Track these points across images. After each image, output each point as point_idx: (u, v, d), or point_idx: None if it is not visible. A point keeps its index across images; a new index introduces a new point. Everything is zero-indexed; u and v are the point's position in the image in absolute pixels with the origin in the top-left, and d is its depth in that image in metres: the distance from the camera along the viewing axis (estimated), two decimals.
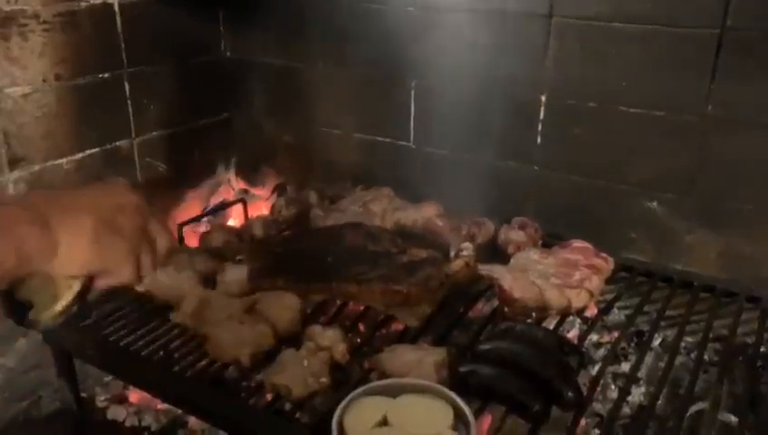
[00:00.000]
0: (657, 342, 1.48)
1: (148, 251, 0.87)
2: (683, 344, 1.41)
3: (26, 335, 1.55)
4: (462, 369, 1.06)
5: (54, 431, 1.27)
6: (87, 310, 1.29)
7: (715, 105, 1.35)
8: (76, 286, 0.84)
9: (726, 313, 1.34)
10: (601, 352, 1.46)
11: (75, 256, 0.79)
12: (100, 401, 1.32)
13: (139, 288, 1.34)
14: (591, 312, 1.41)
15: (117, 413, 1.29)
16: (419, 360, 1.07)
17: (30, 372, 1.44)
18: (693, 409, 1.26)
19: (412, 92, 1.71)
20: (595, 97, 1.48)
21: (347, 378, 1.12)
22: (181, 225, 1.54)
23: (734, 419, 1.22)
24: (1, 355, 1.51)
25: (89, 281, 0.85)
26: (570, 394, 1.01)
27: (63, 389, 1.30)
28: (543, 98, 1.54)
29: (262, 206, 1.95)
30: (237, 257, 1.45)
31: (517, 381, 1.03)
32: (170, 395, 1.14)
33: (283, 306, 1.22)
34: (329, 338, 1.14)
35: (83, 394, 1.34)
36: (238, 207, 1.77)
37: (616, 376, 1.41)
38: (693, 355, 1.42)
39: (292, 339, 1.22)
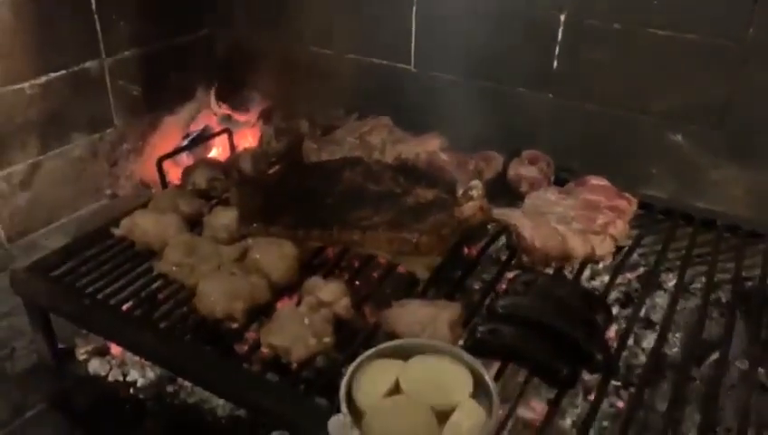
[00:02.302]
0: (675, 284, 1.40)
1: None
2: (702, 287, 1.33)
3: None
4: (480, 328, 0.96)
5: (30, 388, 1.17)
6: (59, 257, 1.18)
7: (757, 29, 1.21)
8: None
9: (752, 253, 1.26)
10: (615, 294, 1.38)
11: None
12: (80, 353, 1.22)
13: (118, 232, 1.22)
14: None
15: (99, 367, 1.19)
16: (432, 317, 0.98)
17: (2, 320, 1.33)
18: (712, 357, 1.20)
19: (414, 8, 1.54)
20: (620, 17, 1.33)
21: (352, 337, 1.02)
22: (160, 159, 1.39)
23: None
24: None
25: None
26: (600, 357, 0.92)
27: (39, 341, 1.20)
28: (562, 17, 1.38)
29: (248, 134, 1.80)
30: (225, 195, 1.33)
31: (542, 342, 0.93)
32: (155, 355, 1.04)
33: (279, 255, 1.11)
34: (331, 292, 1.03)
35: (62, 345, 1.23)
36: (223, 137, 1.62)
37: (633, 321, 1.33)
38: (714, 298, 1.34)
39: (289, 290, 1.11)
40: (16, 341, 1.27)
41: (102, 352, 1.22)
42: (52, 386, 1.18)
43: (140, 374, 1.18)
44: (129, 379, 1.18)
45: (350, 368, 0.88)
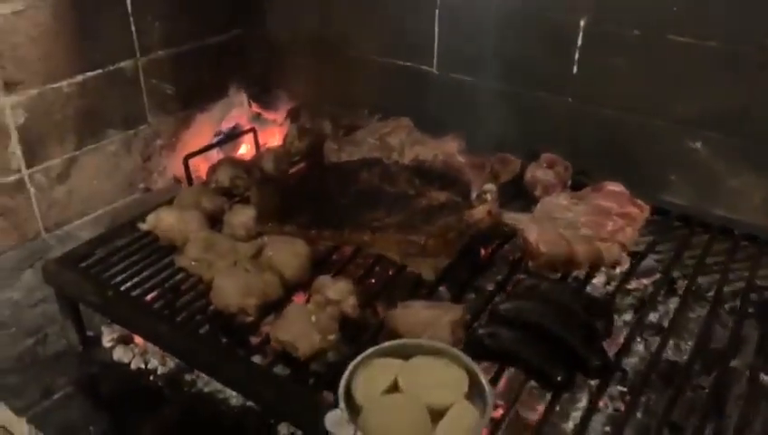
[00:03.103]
0: (690, 291, 1.39)
1: None
2: (718, 295, 1.32)
3: (33, 266, 1.52)
4: (480, 331, 0.99)
5: (59, 372, 1.24)
6: (87, 250, 1.24)
7: None
8: None
9: None
10: (629, 299, 1.38)
11: None
12: (107, 340, 1.28)
13: (144, 227, 1.28)
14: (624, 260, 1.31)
15: (122, 354, 1.26)
16: (435, 318, 1.00)
17: (37, 306, 1.41)
18: (724, 365, 1.20)
19: (437, 11, 1.56)
20: (640, 23, 1.33)
21: (357, 334, 1.05)
22: (187, 157, 1.45)
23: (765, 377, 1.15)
24: (8, 287, 1.47)
25: None
26: (596, 362, 0.94)
27: (68, 328, 1.27)
28: (582, 22, 1.38)
29: (275, 133, 1.84)
30: (246, 193, 1.38)
31: (539, 346, 0.95)
32: (171, 347, 1.10)
33: (292, 253, 1.15)
34: (338, 291, 1.07)
35: (90, 333, 1.30)
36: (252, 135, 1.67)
37: (644, 327, 1.33)
38: (728, 307, 1.33)
39: (301, 287, 1.15)
40: (49, 327, 1.34)
41: (126, 341, 1.27)
42: (79, 371, 1.24)
43: (160, 363, 1.24)
44: (149, 367, 1.24)
45: (351, 365, 0.92)
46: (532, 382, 0.97)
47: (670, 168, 1.41)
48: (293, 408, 0.95)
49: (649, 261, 1.42)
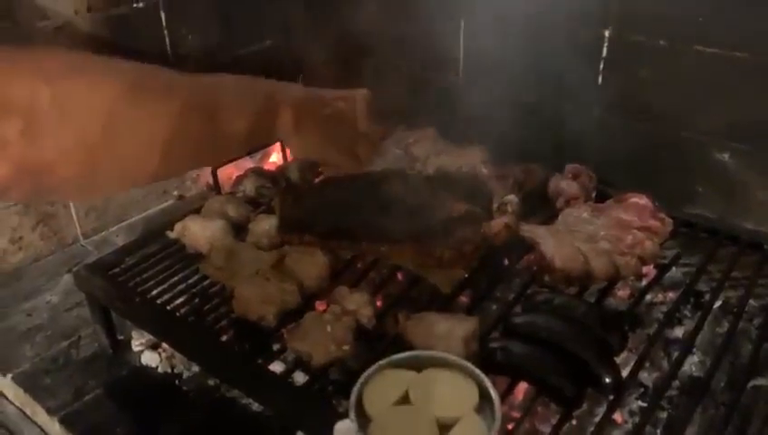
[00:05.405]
0: (716, 305, 1.37)
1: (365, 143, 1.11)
2: (745, 310, 1.30)
3: (70, 271, 1.58)
4: (493, 344, 1.00)
5: (90, 375, 1.29)
6: (117, 257, 1.29)
7: None
8: None
9: None
10: (655, 312, 1.36)
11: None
12: (136, 345, 1.33)
13: (172, 235, 1.32)
14: (647, 271, 1.30)
15: (150, 359, 1.30)
16: (448, 331, 1.01)
17: (73, 309, 1.47)
18: (752, 383, 1.17)
19: (462, 22, 1.57)
20: (666, 34, 1.31)
21: (372, 345, 1.07)
22: (215, 167, 1.48)
23: None
24: (47, 291, 1.54)
25: None
26: (608, 380, 0.93)
27: (99, 332, 1.31)
28: (607, 33, 1.37)
29: None
30: (271, 203, 1.41)
31: (551, 361, 0.95)
32: (191, 353, 1.13)
33: (311, 263, 1.17)
34: (355, 301, 1.09)
35: (121, 337, 1.35)
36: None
37: (667, 341, 1.31)
38: (756, 322, 1.31)
39: (320, 297, 1.18)
40: (83, 329, 1.39)
41: (155, 346, 1.32)
42: (109, 374, 1.29)
43: (186, 368, 1.27)
44: (176, 371, 1.28)
45: (363, 376, 0.93)
46: None
47: (697, 179, 1.39)
48: (306, 416, 0.98)
49: (676, 274, 1.40)
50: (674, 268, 1.35)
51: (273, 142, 1.34)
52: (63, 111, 0.64)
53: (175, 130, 0.79)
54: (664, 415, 1.15)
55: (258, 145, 1.80)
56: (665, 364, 1.25)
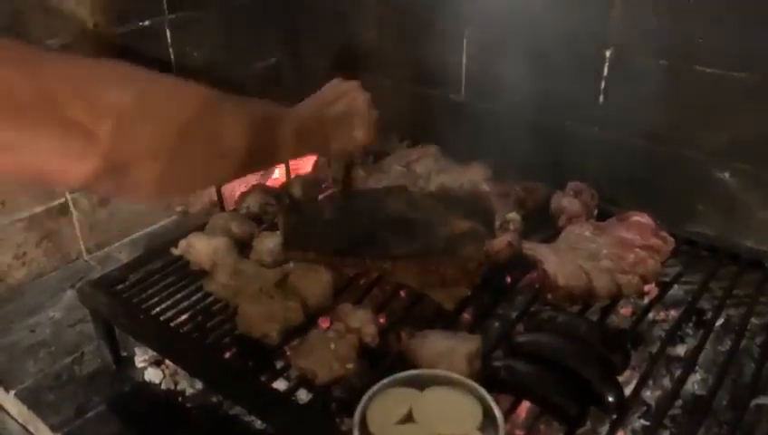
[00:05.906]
0: (718, 323, 1.37)
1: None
2: (746, 328, 1.30)
3: (74, 287, 1.58)
4: (496, 362, 1.00)
5: (93, 392, 1.29)
6: (121, 274, 1.30)
7: None
8: None
9: None
10: (657, 330, 1.37)
11: None
12: (139, 361, 1.33)
13: (175, 252, 1.33)
14: (649, 289, 1.30)
15: (153, 375, 1.30)
16: (451, 349, 1.02)
17: (76, 325, 1.47)
18: (755, 402, 1.17)
19: (464, 41, 1.59)
20: (666, 54, 1.32)
21: (376, 362, 1.07)
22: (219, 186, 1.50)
23: None
24: (51, 307, 1.54)
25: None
26: (611, 398, 0.94)
27: (103, 348, 1.32)
28: (608, 53, 1.39)
29: (310, 160, 1.88)
30: (275, 220, 1.41)
31: (554, 380, 0.96)
32: (193, 370, 1.14)
33: (315, 280, 1.18)
34: (358, 319, 1.09)
35: (124, 353, 1.35)
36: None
37: (670, 360, 1.31)
38: (758, 340, 1.31)
39: (324, 314, 1.18)
40: (86, 345, 1.39)
41: (158, 362, 1.32)
42: (112, 390, 1.29)
43: (189, 384, 1.27)
44: (179, 388, 1.28)
45: (367, 395, 0.94)
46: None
47: (698, 198, 1.39)
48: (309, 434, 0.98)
49: (678, 292, 1.41)
50: (676, 286, 1.36)
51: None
52: (145, 115, 0.73)
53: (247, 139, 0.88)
54: (667, 434, 1.15)
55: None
56: (667, 383, 1.25)
